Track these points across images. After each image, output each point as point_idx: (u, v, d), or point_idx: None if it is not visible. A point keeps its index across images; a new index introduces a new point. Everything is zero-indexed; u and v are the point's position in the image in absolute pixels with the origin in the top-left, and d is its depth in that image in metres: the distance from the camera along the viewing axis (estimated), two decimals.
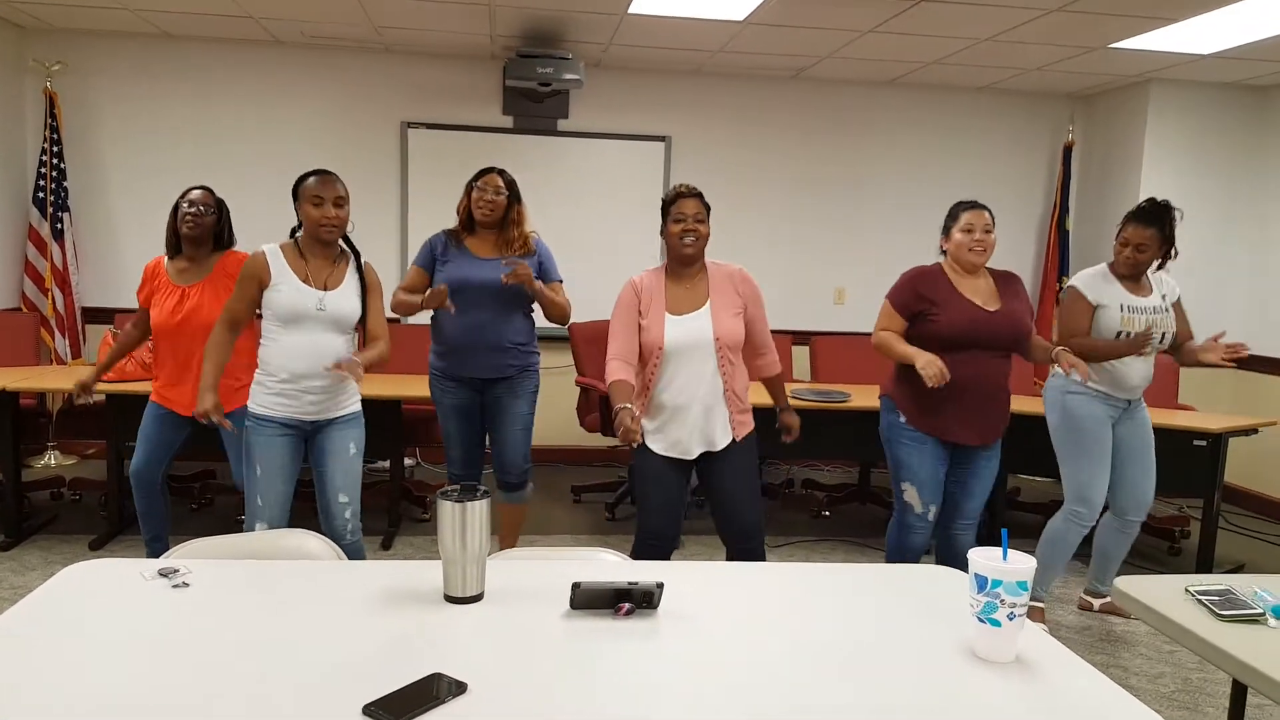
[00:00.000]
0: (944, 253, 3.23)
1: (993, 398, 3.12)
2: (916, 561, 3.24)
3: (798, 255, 6.09)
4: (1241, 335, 5.73)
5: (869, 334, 3.33)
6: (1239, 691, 2.12)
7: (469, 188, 3.53)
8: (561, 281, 3.65)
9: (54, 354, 5.29)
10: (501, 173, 3.54)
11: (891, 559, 3.28)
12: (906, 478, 3.18)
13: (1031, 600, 3.35)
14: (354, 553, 2.92)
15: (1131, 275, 3.40)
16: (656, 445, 2.90)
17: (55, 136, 5.26)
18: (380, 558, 4.07)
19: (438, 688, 1.35)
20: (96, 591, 1.71)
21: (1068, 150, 6.03)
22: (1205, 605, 1.87)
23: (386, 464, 4.98)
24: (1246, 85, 5.58)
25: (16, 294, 5.38)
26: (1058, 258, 6.06)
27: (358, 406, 2.99)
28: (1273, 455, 5.46)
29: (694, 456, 2.92)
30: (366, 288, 2.94)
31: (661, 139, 5.84)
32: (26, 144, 5.40)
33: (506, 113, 5.71)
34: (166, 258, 3.42)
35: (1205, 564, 4.13)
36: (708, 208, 2.90)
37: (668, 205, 2.90)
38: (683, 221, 2.84)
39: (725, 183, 5.89)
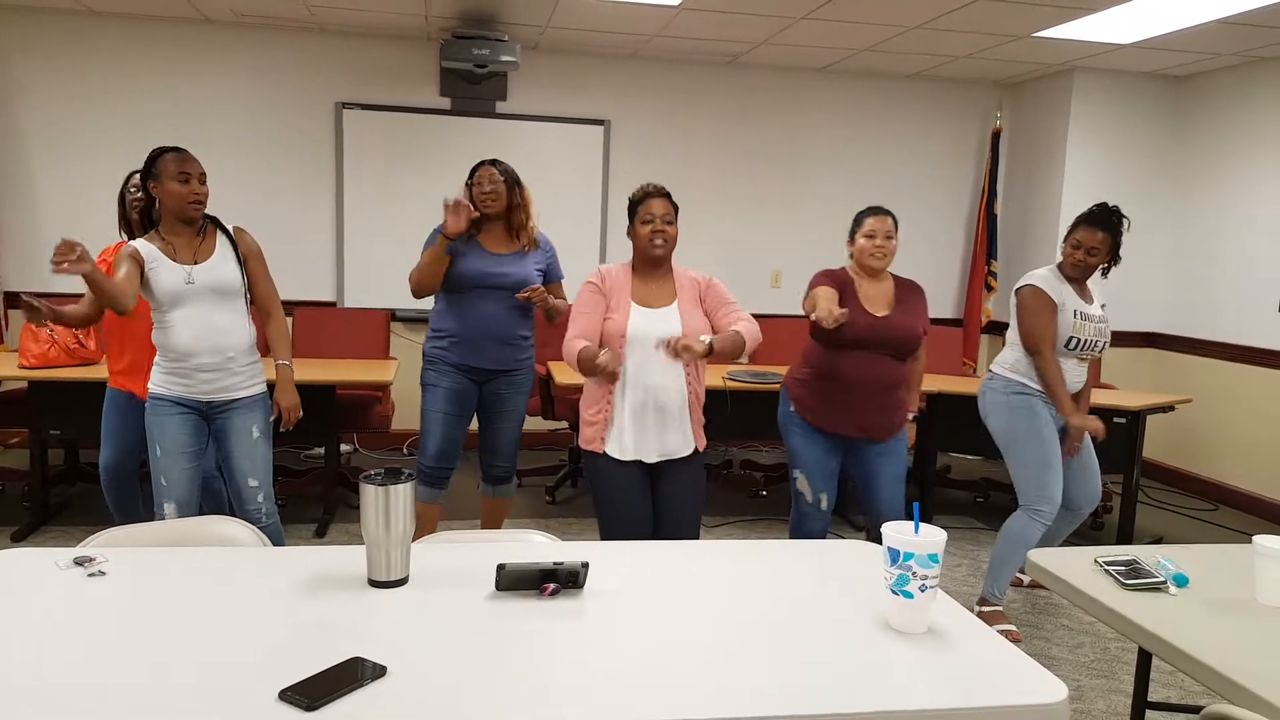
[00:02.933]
0: (851, 257, 3.27)
1: (881, 397, 3.16)
2: None
3: (735, 238, 6.14)
4: (1161, 317, 5.95)
5: (804, 316, 3.36)
6: (1144, 657, 2.21)
7: (467, 185, 3.47)
8: (563, 279, 3.63)
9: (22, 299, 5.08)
10: (495, 163, 3.49)
11: None
12: (797, 466, 3.24)
13: (986, 605, 3.46)
14: (273, 536, 2.87)
15: (1080, 278, 3.42)
16: (615, 450, 2.77)
17: None
18: (314, 544, 4.03)
19: (358, 671, 1.35)
20: (8, 581, 1.67)
21: (996, 136, 6.17)
22: (1112, 575, 1.95)
23: (321, 450, 4.92)
24: (1166, 75, 5.76)
25: None
26: (985, 241, 6.21)
27: (260, 388, 2.92)
28: (1189, 432, 5.69)
29: (652, 460, 2.79)
30: (242, 254, 2.86)
31: (600, 122, 5.83)
32: None
33: (444, 94, 5.64)
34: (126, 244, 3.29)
35: (1125, 537, 4.29)
36: (676, 207, 2.83)
37: (635, 204, 2.81)
38: (651, 223, 2.76)
39: (663, 167, 5.91)
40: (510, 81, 5.67)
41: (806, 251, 6.13)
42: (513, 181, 3.49)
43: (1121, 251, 3.39)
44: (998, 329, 6.16)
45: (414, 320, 5.58)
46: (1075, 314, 3.37)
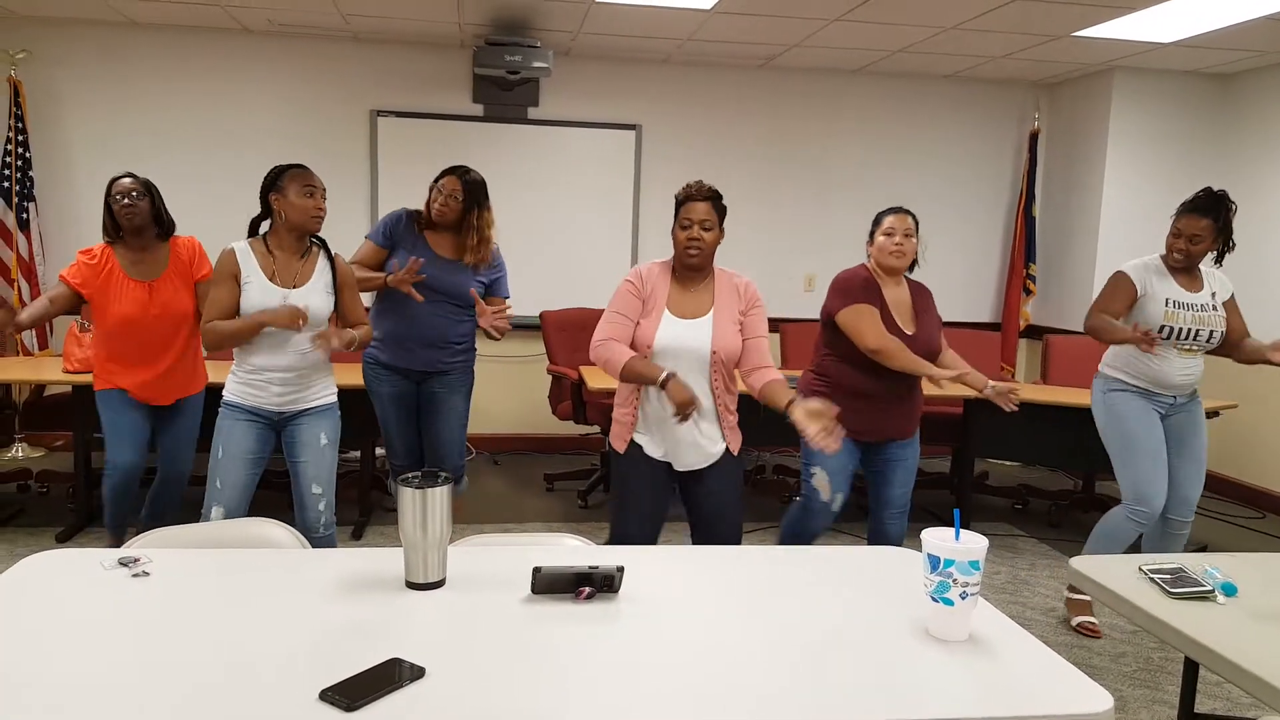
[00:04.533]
0: (869, 256, 3.23)
1: (902, 401, 3.15)
2: (811, 544, 3.26)
3: (768, 243, 6.11)
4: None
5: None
6: (1191, 667, 2.16)
7: (431, 185, 3.50)
8: (508, 298, 3.61)
9: (20, 346, 5.22)
10: (465, 176, 3.45)
11: (786, 540, 3.28)
12: (817, 464, 3.17)
13: (1075, 593, 3.46)
14: (326, 546, 2.91)
15: (1184, 268, 3.29)
16: (647, 446, 2.74)
17: (20, 126, 5.17)
18: (351, 546, 4.06)
19: (396, 672, 1.36)
20: (55, 581, 1.70)
21: (1034, 137, 6.09)
22: (1157, 583, 1.91)
23: (357, 454, 4.96)
24: (1209, 73, 5.65)
25: None
26: (1024, 244, 6.13)
27: (331, 399, 2.96)
28: (1235, 438, 5.56)
29: (681, 468, 2.76)
30: (339, 282, 2.91)
31: (632, 127, 5.83)
32: None
33: (477, 100, 5.68)
34: (113, 249, 3.32)
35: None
36: (722, 211, 2.69)
37: (679, 204, 2.69)
38: (688, 229, 2.63)
39: (695, 171, 5.85)
40: (542, 87, 5.70)
41: (839, 256, 6.04)
42: (474, 201, 3.44)
43: (1235, 238, 3.26)
44: (1036, 333, 6.08)
45: None
46: (1168, 303, 3.26)
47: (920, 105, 6.13)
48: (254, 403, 2.84)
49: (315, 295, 2.83)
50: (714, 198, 2.68)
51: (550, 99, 5.75)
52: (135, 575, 1.74)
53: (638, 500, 2.75)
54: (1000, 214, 6.32)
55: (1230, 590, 1.87)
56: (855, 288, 3.14)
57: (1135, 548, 3.42)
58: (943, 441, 5.04)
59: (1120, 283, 3.33)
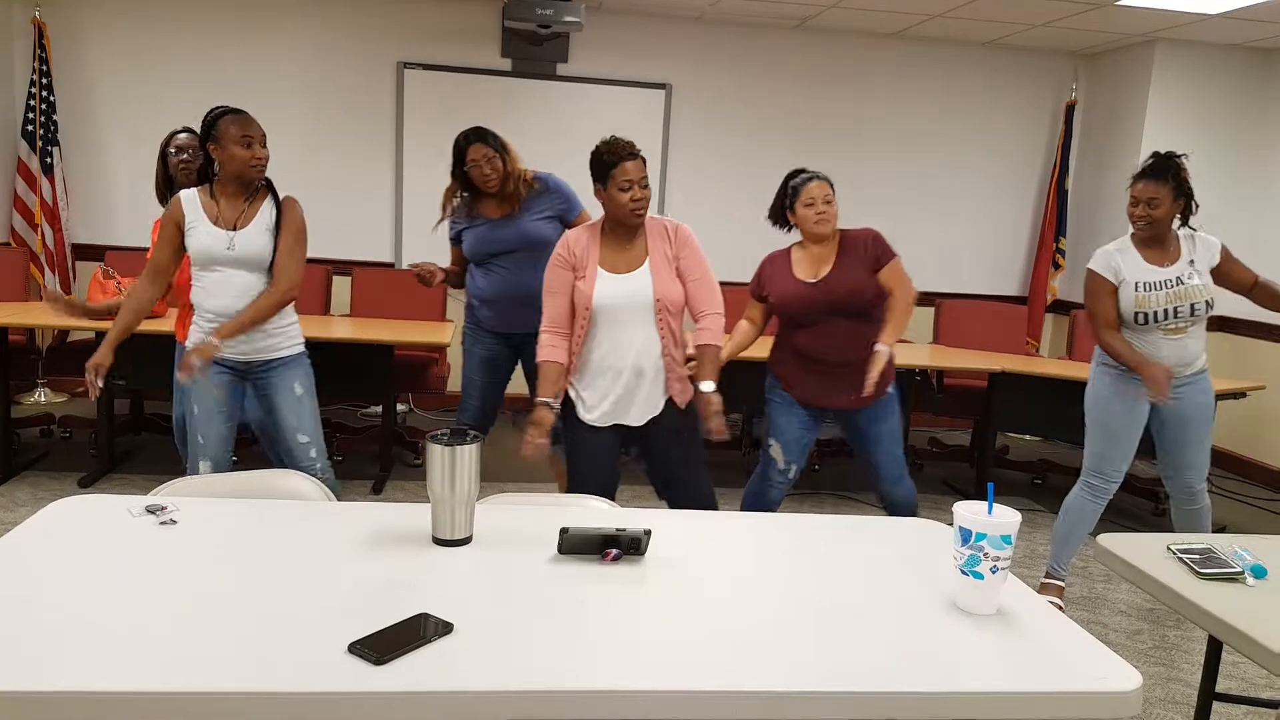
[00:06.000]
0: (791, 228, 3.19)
1: (845, 364, 3.03)
2: (773, 511, 3.26)
3: None
4: (1234, 300, 5.71)
5: None
6: (1214, 647, 2.15)
7: (461, 172, 3.39)
8: (583, 210, 3.54)
9: (44, 290, 5.25)
10: (480, 135, 3.38)
11: (747, 509, 3.29)
12: (773, 435, 3.19)
13: (1050, 578, 3.45)
14: (330, 489, 2.91)
15: (1151, 238, 3.17)
16: (584, 414, 2.75)
17: (45, 69, 5.16)
18: (373, 501, 4.10)
19: (424, 627, 1.36)
20: (82, 527, 1.71)
21: (1070, 109, 5.97)
22: (1186, 563, 1.89)
23: (379, 409, 4.99)
24: (1252, 47, 5.50)
25: (5, 229, 5.32)
26: (1055, 217, 6.03)
27: (298, 347, 2.93)
28: (1257, 419, 5.50)
29: (629, 423, 2.75)
30: (281, 224, 2.83)
31: (662, 86, 5.75)
32: (15, 76, 5.30)
33: (505, 55, 5.61)
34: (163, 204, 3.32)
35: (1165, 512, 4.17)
36: (644, 160, 2.67)
37: (608, 167, 2.61)
38: (629, 190, 2.60)
39: (726, 133, 5.83)
40: (572, 43, 5.62)
41: (871, 221, 5.93)
42: (502, 150, 3.39)
43: (1197, 198, 3.14)
44: (1062, 308, 6.01)
45: None
46: (1137, 286, 3.15)
47: (956, 72, 6.01)
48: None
49: (256, 237, 2.79)
50: (640, 154, 2.65)
51: (580, 55, 5.67)
52: (163, 523, 1.74)
53: (581, 464, 2.80)
54: (1032, 186, 6.22)
55: (1260, 572, 1.85)
56: (756, 273, 3.23)
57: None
58: (964, 414, 5.01)
59: (1096, 283, 3.23)
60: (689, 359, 2.76)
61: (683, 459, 2.80)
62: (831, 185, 3.11)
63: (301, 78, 5.51)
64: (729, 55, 5.82)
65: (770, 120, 5.92)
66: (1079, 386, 4.36)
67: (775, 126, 5.92)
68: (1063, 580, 3.47)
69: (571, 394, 2.76)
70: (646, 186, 2.64)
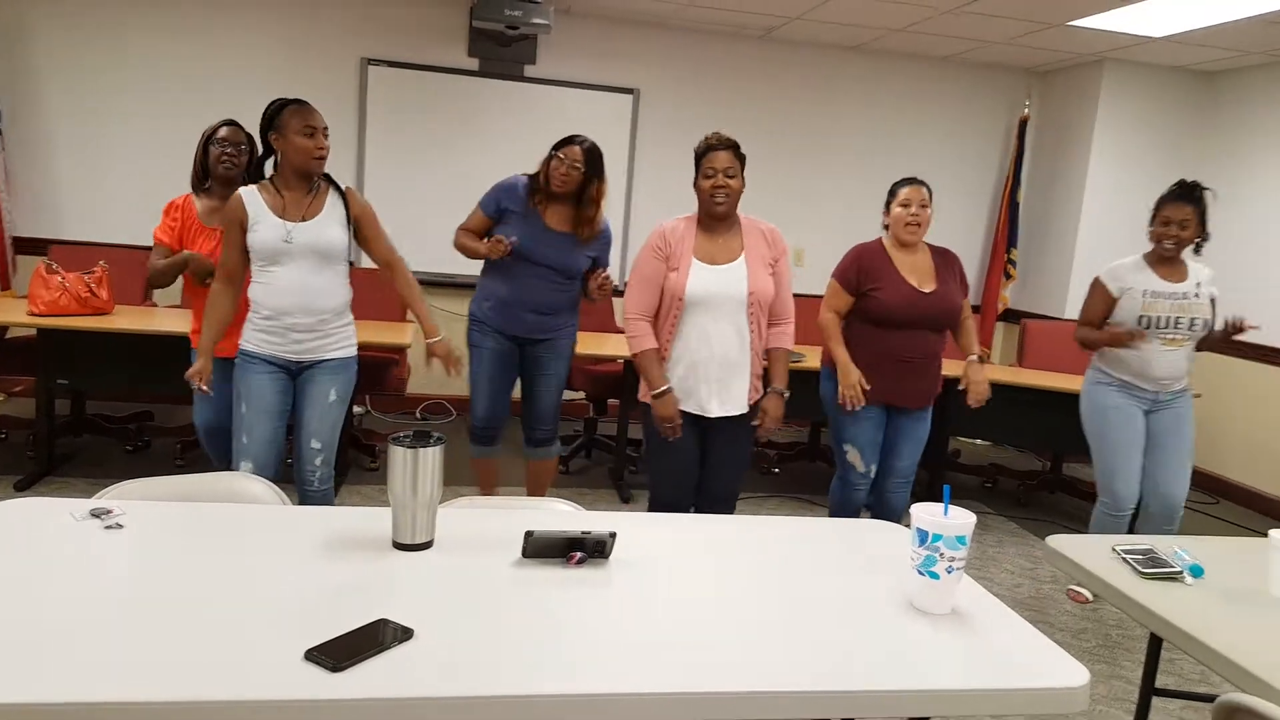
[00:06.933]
0: (886, 228, 3.33)
1: (924, 368, 3.26)
2: (857, 515, 3.37)
3: (760, 215, 6.04)
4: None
5: (823, 297, 3.39)
6: (1155, 644, 2.22)
7: (550, 154, 3.38)
8: (607, 268, 3.53)
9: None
10: (584, 143, 3.37)
11: (834, 514, 3.42)
12: (849, 440, 3.31)
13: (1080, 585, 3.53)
14: (320, 503, 2.85)
15: (1171, 257, 3.33)
16: (680, 402, 2.78)
17: None
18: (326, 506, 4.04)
19: (383, 633, 1.34)
20: (24, 531, 1.65)
21: (1023, 124, 6.11)
22: (1130, 563, 1.95)
23: None
24: (1196, 70, 5.69)
25: None
26: (1007, 229, 6.17)
27: (350, 350, 2.89)
28: (1196, 427, 5.66)
29: (712, 415, 2.79)
30: (353, 215, 2.83)
31: (629, 91, 5.77)
32: None
33: (472, 55, 5.58)
34: (194, 196, 3.26)
35: (1130, 528, 4.28)
36: (742, 159, 2.78)
37: (699, 157, 2.77)
38: (713, 177, 2.72)
39: (691, 139, 5.72)
40: (540, 45, 5.62)
41: (829, 230, 6.09)
42: (594, 171, 3.36)
43: (1209, 228, 3.34)
44: (1014, 317, 6.14)
45: (435, 284, 5.52)
46: (1145, 294, 3.33)
47: (915, 86, 6.12)
48: (271, 350, 2.77)
49: (325, 228, 2.75)
50: (734, 146, 2.77)
51: (548, 57, 5.67)
52: (109, 527, 1.68)
53: (667, 456, 2.83)
54: (986, 198, 6.35)
55: (1198, 572, 1.92)
56: (846, 261, 3.30)
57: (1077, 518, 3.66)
58: None
59: (1095, 289, 3.45)
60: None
61: (732, 457, 2.88)
62: (930, 192, 3.24)
63: (263, 72, 5.42)
64: (696, 62, 5.86)
65: (735, 127, 5.85)
66: (1029, 394, 4.48)
67: (740, 133, 5.82)
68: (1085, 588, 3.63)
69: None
70: (734, 177, 2.74)
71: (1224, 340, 3.38)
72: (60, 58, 5.24)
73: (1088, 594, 3.65)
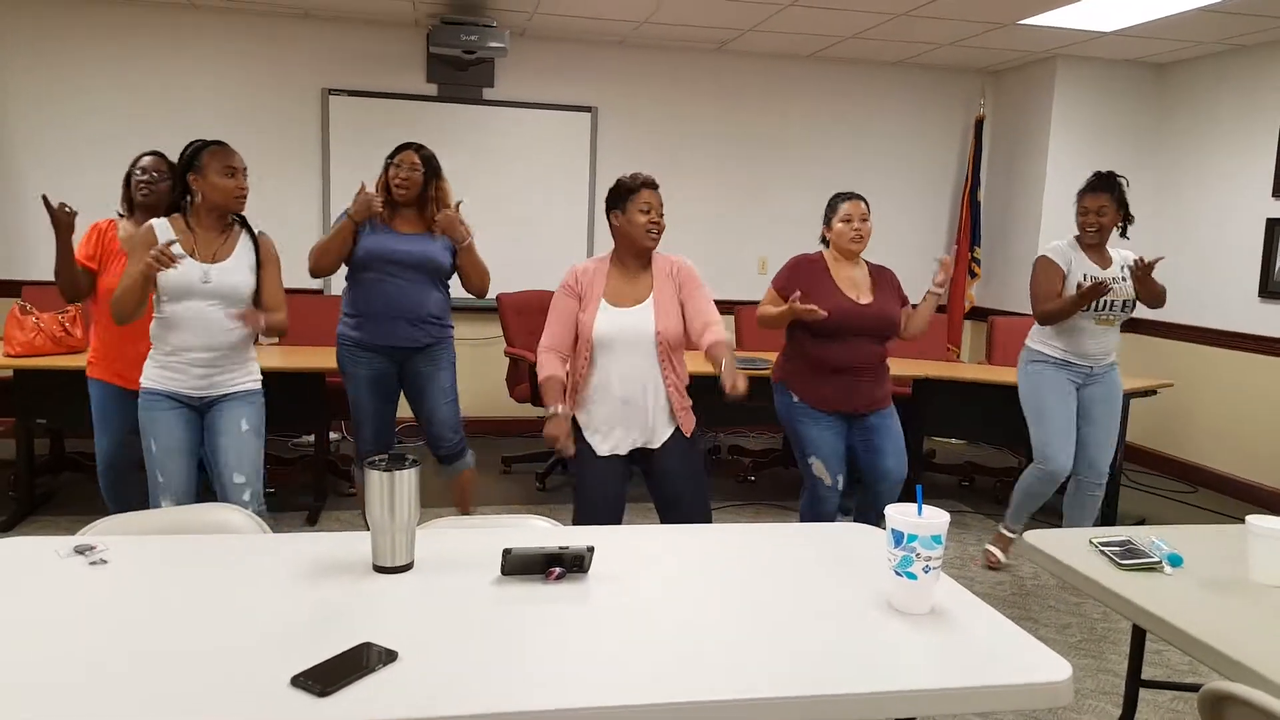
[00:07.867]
0: (825, 242, 3.40)
1: (869, 374, 3.30)
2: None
3: (722, 225, 6.14)
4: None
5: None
6: (1139, 636, 2.24)
7: (386, 165, 3.44)
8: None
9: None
10: (419, 149, 3.44)
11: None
12: (812, 452, 3.32)
13: (1006, 528, 3.83)
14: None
15: (1097, 244, 3.63)
16: (596, 445, 2.82)
17: None
18: (309, 531, 4.01)
19: (367, 657, 1.35)
20: (8, 570, 1.66)
21: (979, 124, 6.20)
22: (1107, 555, 1.96)
23: (311, 439, 4.89)
24: (1148, 63, 5.80)
25: None
26: (969, 228, 6.25)
27: (254, 384, 2.88)
28: (1168, 415, 5.76)
29: (626, 451, 2.82)
30: (261, 260, 2.83)
31: (588, 109, 5.81)
32: None
33: (431, 80, 5.61)
34: (121, 220, 3.24)
35: (1109, 519, 4.35)
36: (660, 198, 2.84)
37: (629, 193, 2.77)
38: (648, 213, 2.75)
39: (651, 154, 5.90)
40: (498, 68, 5.64)
41: (792, 238, 6.11)
42: (432, 173, 3.43)
43: (1132, 211, 3.61)
44: (981, 315, 6.21)
45: None
46: (1085, 277, 3.55)
47: (870, 91, 6.20)
48: (172, 387, 2.75)
49: (238, 273, 2.76)
50: (657, 185, 2.82)
51: (506, 80, 5.70)
52: (93, 563, 1.69)
53: (590, 490, 2.84)
54: (946, 199, 6.44)
55: (1176, 561, 1.94)
56: (784, 270, 3.38)
57: (1056, 511, 3.86)
58: None
59: (1047, 266, 3.66)
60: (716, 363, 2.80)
61: (689, 485, 2.85)
62: (868, 206, 3.31)
63: (226, 104, 5.41)
64: (652, 77, 5.91)
65: (694, 140, 6.02)
66: (1000, 390, 4.53)
67: (698, 146, 6.03)
68: (1012, 535, 3.86)
69: (580, 422, 2.81)
70: (662, 216, 2.79)
71: (1144, 279, 3.54)
72: (29, 103, 5.21)
73: (1000, 555, 3.90)
